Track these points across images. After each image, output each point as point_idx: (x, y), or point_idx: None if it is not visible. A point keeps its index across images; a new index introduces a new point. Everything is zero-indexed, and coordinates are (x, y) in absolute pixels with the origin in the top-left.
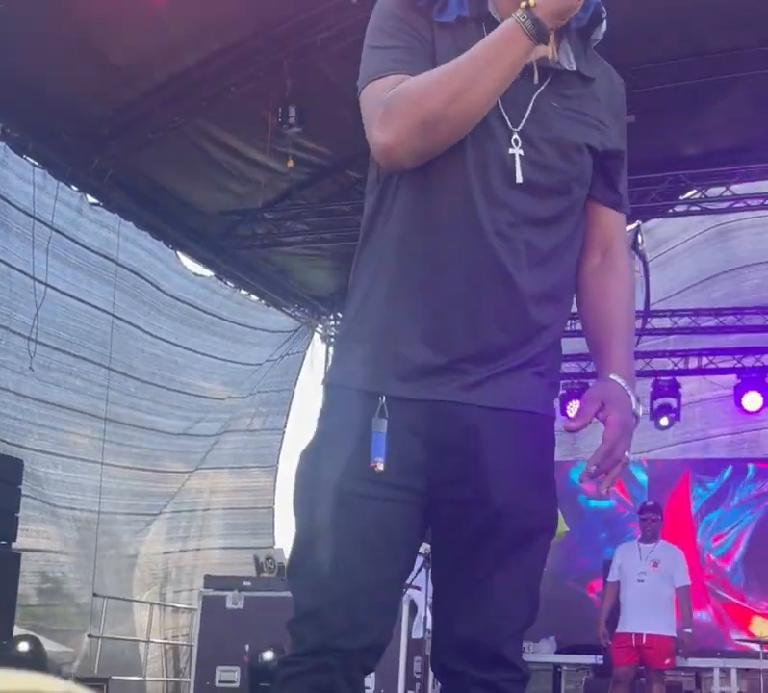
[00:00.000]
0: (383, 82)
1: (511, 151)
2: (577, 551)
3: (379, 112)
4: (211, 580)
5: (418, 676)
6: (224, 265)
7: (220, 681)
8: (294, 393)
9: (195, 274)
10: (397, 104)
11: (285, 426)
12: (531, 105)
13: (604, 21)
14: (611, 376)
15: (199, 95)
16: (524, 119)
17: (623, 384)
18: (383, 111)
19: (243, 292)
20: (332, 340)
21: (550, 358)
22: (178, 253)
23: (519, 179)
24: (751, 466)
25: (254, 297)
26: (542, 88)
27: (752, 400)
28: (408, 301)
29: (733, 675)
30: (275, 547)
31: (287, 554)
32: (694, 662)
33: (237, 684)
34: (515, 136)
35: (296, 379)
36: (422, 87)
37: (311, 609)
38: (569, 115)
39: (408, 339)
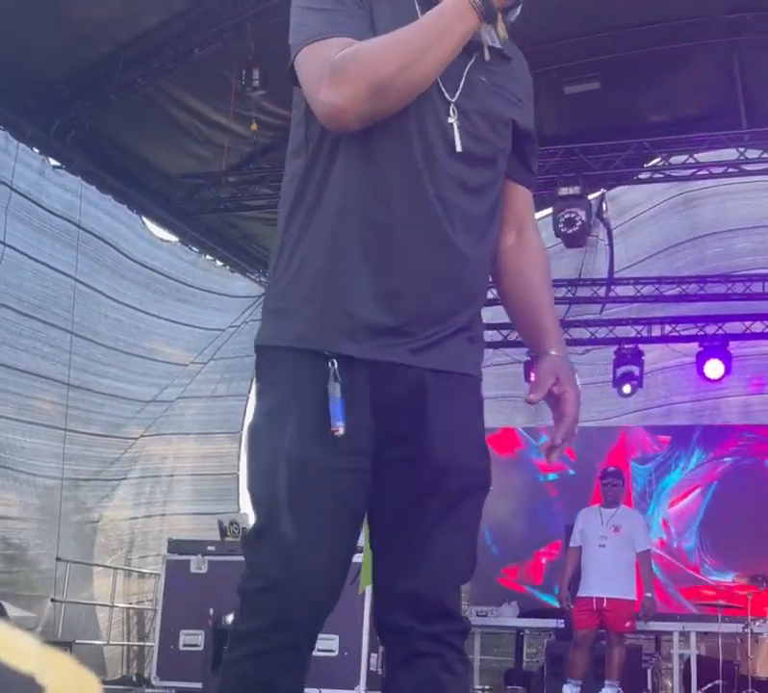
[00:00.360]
0: (327, 43)
1: (449, 120)
2: (540, 517)
3: (327, 72)
4: (175, 545)
5: None
6: (188, 229)
7: (184, 645)
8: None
9: (161, 240)
10: (350, 67)
11: (249, 392)
12: (464, 78)
13: (520, 5)
14: (553, 352)
15: (162, 57)
16: (459, 91)
17: (566, 359)
18: (332, 72)
19: (207, 257)
20: None
21: (480, 324)
22: (143, 218)
23: (459, 148)
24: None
25: (219, 263)
26: (472, 61)
27: (713, 368)
28: (355, 263)
29: (692, 638)
30: (240, 512)
31: (252, 520)
32: (654, 626)
33: (201, 648)
34: (452, 106)
35: None
36: (374, 53)
37: (278, 580)
38: (495, 90)
39: (359, 300)
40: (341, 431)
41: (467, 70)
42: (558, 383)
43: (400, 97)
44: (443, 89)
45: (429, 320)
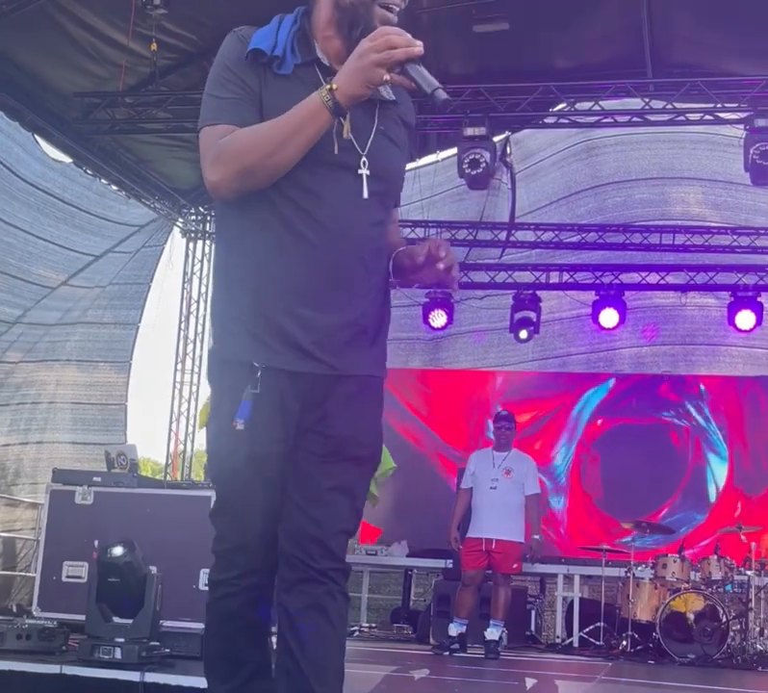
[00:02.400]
0: (215, 129)
1: (360, 172)
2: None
3: (210, 155)
4: (59, 475)
5: None
6: (82, 151)
7: (68, 576)
8: (149, 287)
9: (55, 160)
10: (224, 154)
11: (139, 321)
12: (373, 132)
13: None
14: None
15: None
16: (368, 145)
17: None
18: (213, 155)
19: (102, 181)
20: (193, 234)
21: (384, 329)
22: (36, 137)
23: (365, 195)
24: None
25: (114, 188)
26: (376, 117)
27: (608, 317)
28: (278, 292)
29: (576, 581)
30: (128, 443)
31: (140, 451)
32: (539, 568)
33: (84, 580)
34: (364, 159)
35: (153, 273)
36: (244, 143)
37: (241, 543)
38: (390, 138)
39: (283, 322)
40: (240, 426)
41: (375, 126)
42: (428, 247)
43: (267, 177)
44: (356, 144)
45: (336, 335)
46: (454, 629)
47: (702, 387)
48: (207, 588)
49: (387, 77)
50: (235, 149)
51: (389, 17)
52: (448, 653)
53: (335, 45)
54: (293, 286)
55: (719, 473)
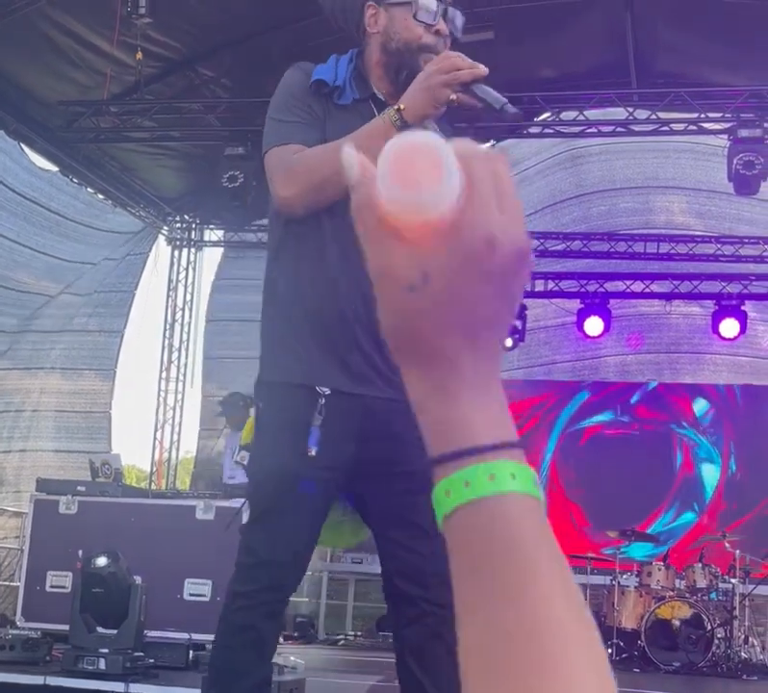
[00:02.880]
0: (284, 149)
1: None
2: None
3: (281, 172)
4: (43, 484)
5: None
6: (67, 159)
7: (51, 586)
8: (134, 295)
9: (41, 169)
10: (296, 170)
11: (124, 329)
12: None
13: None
14: None
15: None
16: None
17: None
18: (285, 172)
19: (88, 190)
20: (178, 242)
21: None
22: (22, 145)
23: None
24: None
25: (101, 196)
26: None
27: (593, 325)
28: (336, 317)
29: None
30: (112, 452)
31: (125, 460)
32: None
33: (68, 590)
34: None
35: (137, 281)
36: (315, 160)
37: (269, 560)
38: None
39: (341, 347)
40: (312, 453)
41: None
42: None
43: (336, 193)
44: None
45: (381, 365)
46: None
47: (688, 395)
48: (222, 599)
49: (453, 96)
50: (306, 165)
51: None
52: None
53: (386, 84)
54: (349, 311)
55: (710, 481)
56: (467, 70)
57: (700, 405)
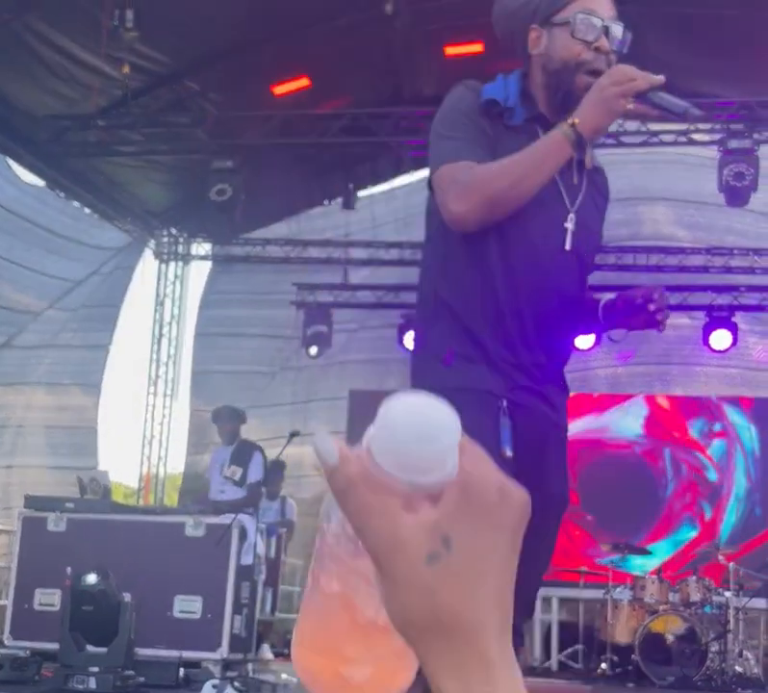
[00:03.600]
0: (457, 165)
1: (566, 225)
2: None
3: (455, 188)
4: (31, 501)
5: (245, 601)
6: (54, 173)
7: (40, 604)
8: (120, 309)
9: (27, 184)
10: (472, 185)
11: (110, 343)
12: (582, 194)
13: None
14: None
15: None
16: (577, 204)
17: None
18: (460, 188)
19: (75, 204)
20: (165, 256)
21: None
22: (8, 160)
23: (568, 247)
24: None
25: (88, 211)
26: (584, 180)
27: (584, 338)
28: (504, 325)
29: (554, 603)
30: (99, 468)
31: (112, 476)
32: None
33: (57, 608)
34: (571, 214)
35: (124, 295)
36: (491, 174)
37: None
38: (596, 204)
39: (506, 354)
40: (509, 453)
41: (584, 187)
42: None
43: (508, 208)
44: (566, 199)
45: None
46: None
47: (672, 406)
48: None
49: (630, 105)
50: (481, 181)
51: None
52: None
53: (547, 107)
54: (513, 319)
55: (712, 498)
56: (643, 79)
57: (695, 417)
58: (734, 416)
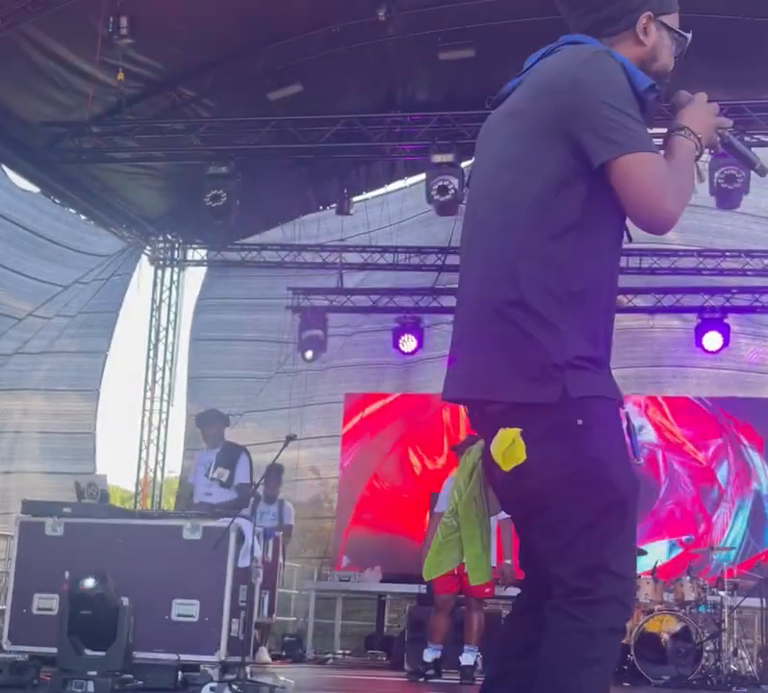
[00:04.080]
0: (657, 158)
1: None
2: None
3: (672, 187)
4: (29, 506)
5: (243, 604)
6: (50, 180)
7: (38, 609)
8: (118, 315)
9: (22, 190)
10: (682, 189)
11: (108, 349)
12: None
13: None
14: None
15: None
16: None
17: None
18: (674, 190)
19: (71, 210)
20: (161, 262)
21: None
22: (2, 166)
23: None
24: None
25: (83, 217)
26: None
27: None
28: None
29: None
30: (97, 473)
31: (109, 481)
32: (513, 591)
33: (55, 612)
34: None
35: (121, 301)
36: (685, 179)
37: (629, 576)
38: None
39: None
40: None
41: None
42: None
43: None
44: None
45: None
46: (429, 655)
47: (665, 407)
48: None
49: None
50: (684, 184)
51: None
52: (422, 679)
53: None
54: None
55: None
56: (725, 119)
57: (683, 418)
58: (732, 419)
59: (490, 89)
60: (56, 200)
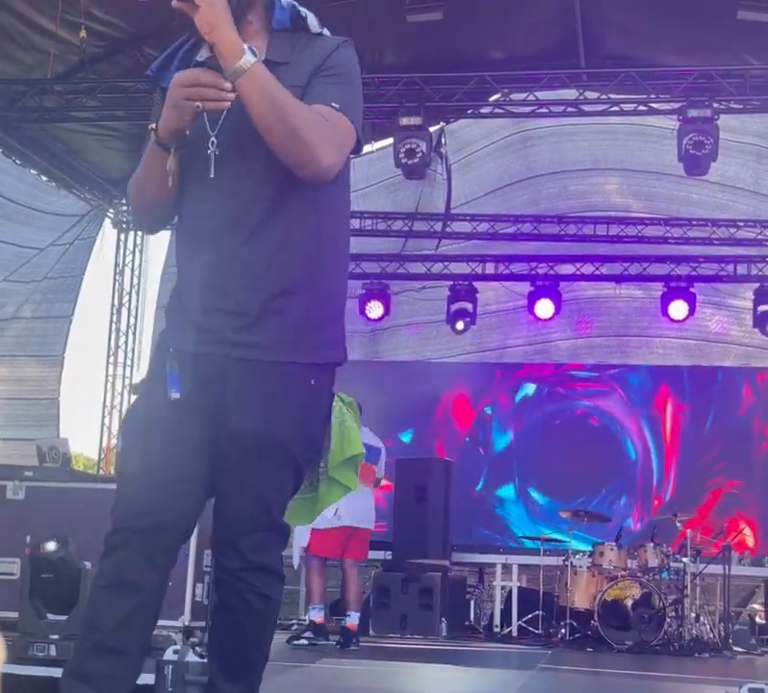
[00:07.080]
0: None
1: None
2: None
3: (348, 142)
4: None
5: (207, 569)
6: (10, 140)
7: None
8: (82, 279)
9: None
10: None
11: (72, 314)
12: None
13: (308, 18)
14: None
15: None
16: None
17: None
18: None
19: (32, 171)
20: (124, 225)
21: (301, 309)
22: None
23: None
24: None
25: (44, 178)
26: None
27: (544, 308)
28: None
29: (514, 570)
30: (59, 437)
31: (73, 448)
32: (478, 558)
33: (16, 576)
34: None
35: (85, 265)
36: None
37: (116, 498)
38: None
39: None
40: (175, 396)
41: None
42: None
43: None
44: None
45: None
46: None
47: (634, 377)
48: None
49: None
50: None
51: None
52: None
53: None
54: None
55: (658, 462)
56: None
57: (645, 386)
58: (688, 385)
59: (458, 51)
60: (17, 161)
